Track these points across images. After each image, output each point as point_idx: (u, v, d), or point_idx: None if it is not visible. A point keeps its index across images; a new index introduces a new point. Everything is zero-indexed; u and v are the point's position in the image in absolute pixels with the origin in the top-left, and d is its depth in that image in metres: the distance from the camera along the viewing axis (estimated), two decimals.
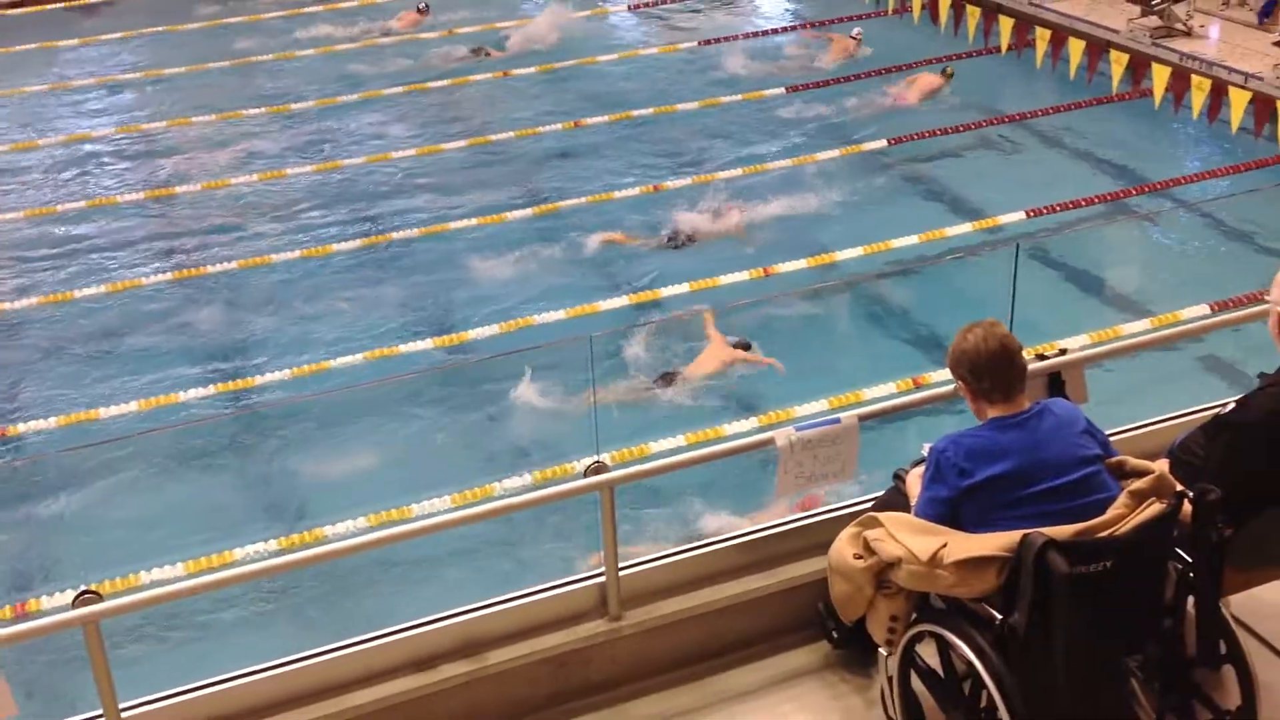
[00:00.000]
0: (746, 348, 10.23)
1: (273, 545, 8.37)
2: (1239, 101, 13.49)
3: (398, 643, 4.94)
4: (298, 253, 12.46)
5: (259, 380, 10.34)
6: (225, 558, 8.21)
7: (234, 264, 12.29)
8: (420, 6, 19.68)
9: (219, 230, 13.09)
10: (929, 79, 15.63)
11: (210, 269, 12.25)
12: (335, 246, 12.60)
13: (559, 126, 15.41)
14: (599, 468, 4.99)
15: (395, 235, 12.80)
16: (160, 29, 19.33)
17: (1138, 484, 3.97)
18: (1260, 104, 13.46)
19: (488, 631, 5.00)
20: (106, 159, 15.03)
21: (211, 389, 10.22)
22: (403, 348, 10.66)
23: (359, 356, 10.53)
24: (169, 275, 12.14)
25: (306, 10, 20.20)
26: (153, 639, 7.70)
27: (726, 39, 18.32)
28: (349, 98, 16.53)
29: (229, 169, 14.52)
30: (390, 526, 6.46)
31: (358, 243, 12.67)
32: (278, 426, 9.82)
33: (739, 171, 13.95)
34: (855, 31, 17.71)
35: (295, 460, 9.54)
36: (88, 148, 15.31)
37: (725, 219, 12.54)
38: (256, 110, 16.19)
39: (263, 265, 12.26)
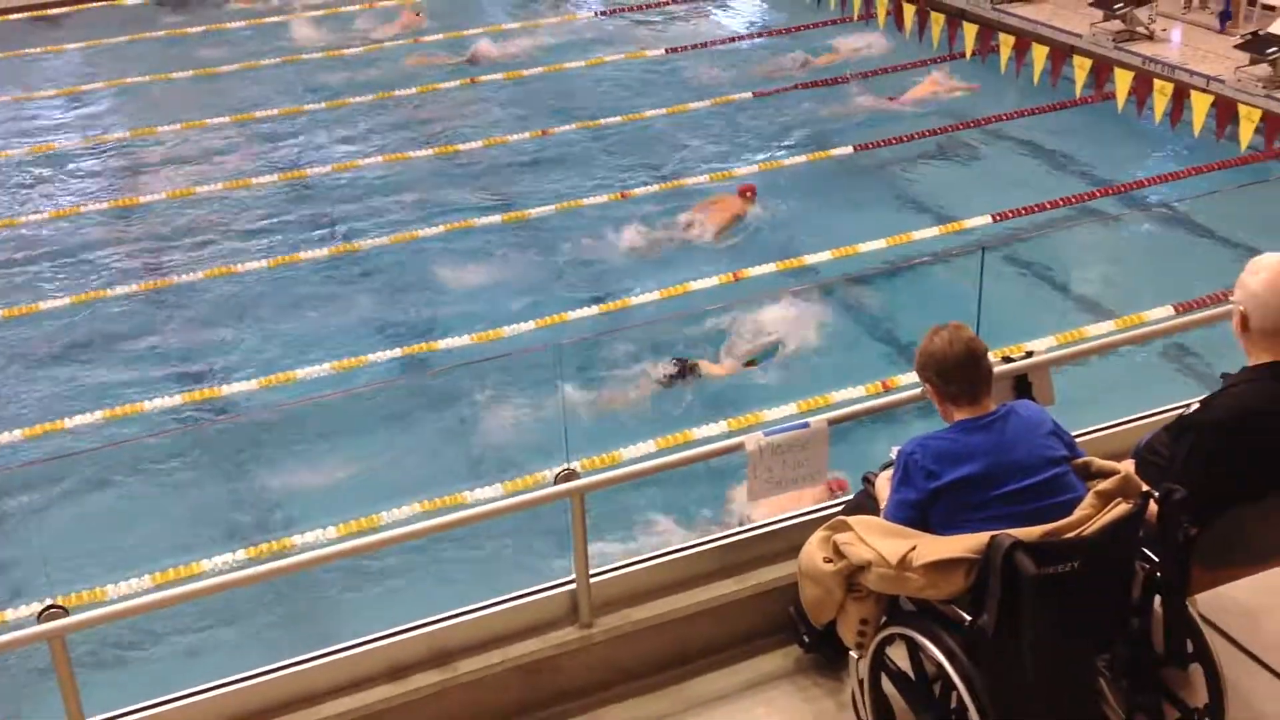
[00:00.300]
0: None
1: (241, 556, 8.32)
2: (1201, 104, 13.62)
3: (369, 653, 4.91)
4: (264, 262, 12.40)
5: (225, 391, 10.28)
6: (193, 569, 8.15)
7: (199, 274, 12.22)
8: (417, 10, 19.72)
9: (184, 240, 13.01)
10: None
11: (176, 279, 12.17)
12: (302, 255, 12.54)
13: (527, 134, 15.41)
14: (569, 475, 4.99)
15: (363, 244, 12.75)
16: (123, 39, 19.23)
17: (1104, 485, 3.99)
18: (1222, 107, 13.59)
19: (459, 640, 4.99)
20: (70, 169, 14.94)
21: (177, 399, 10.16)
22: (371, 357, 10.61)
23: (327, 366, 10.48)
24: (134, 286, 12.06)
25: (270, 20, 20.14)
26: (121, 652, 7.64)
27: (693, 46, 18.36)
28: (315, 106, 16.48)
29: (194, 178, 14.45)
30: (359, 536, 6.43)
31: (325, 252, 12.63)
32: (245, 437, 9.78)
33: (706, 178, 13.98)
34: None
35: (263, 471, 9.49)
36: (51, 158, 15.20)
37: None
38: (221, 119, 16.11)
39: (228, 275, 12.19)
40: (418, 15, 19.69)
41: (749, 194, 13.06)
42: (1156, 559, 4.16)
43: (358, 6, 20.69)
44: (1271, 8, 16.95)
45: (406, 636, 4.94)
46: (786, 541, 5.20)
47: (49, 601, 4.62)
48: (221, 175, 14.51)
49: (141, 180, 14.48)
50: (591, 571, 5.05)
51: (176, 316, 11.58)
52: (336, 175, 14.48)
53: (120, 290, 11.99)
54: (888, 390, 9.32)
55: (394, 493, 8.81)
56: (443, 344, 10.81)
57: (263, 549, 8.38)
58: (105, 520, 8.96)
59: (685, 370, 9.98)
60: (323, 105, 16.51)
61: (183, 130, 15.78)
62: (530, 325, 10.97)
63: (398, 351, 10.74)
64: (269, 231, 13.15)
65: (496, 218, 13.24)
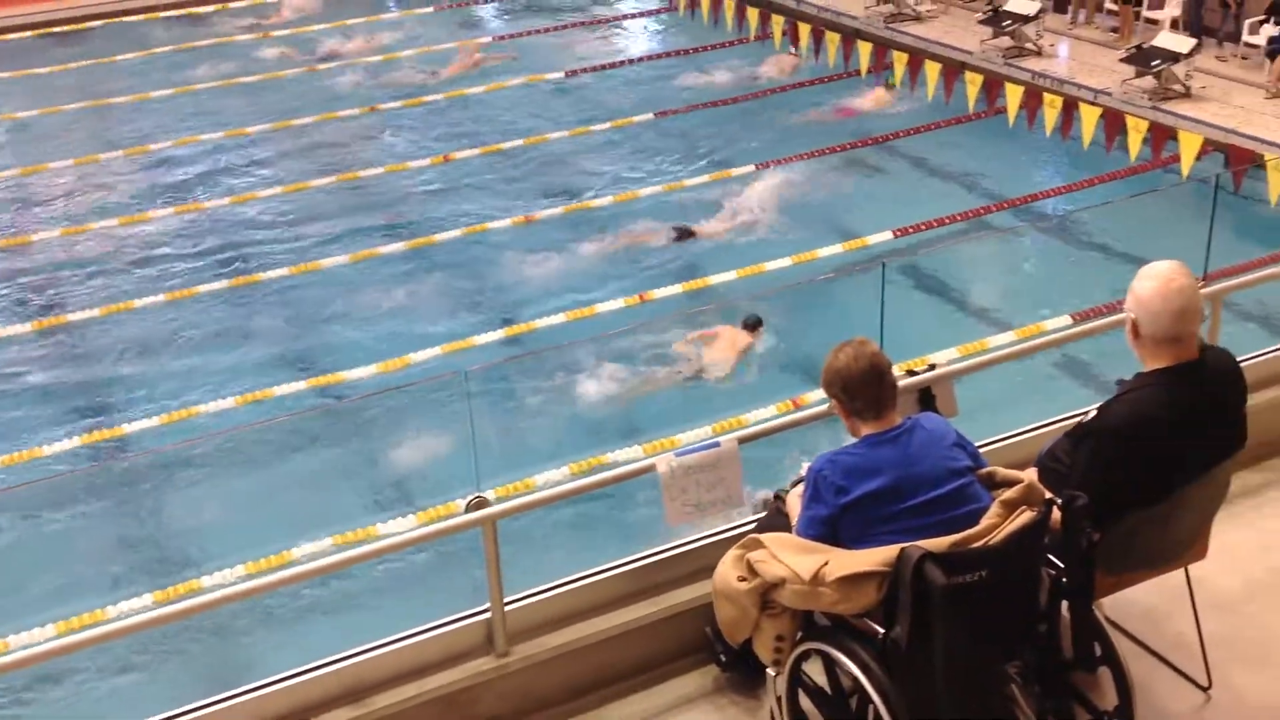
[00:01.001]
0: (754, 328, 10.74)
1: (147, 600, 8.13)
2: (1089, 117, 13.97)
3: (279, 692, 4.81)
4: (162, 296, 12.17)
5: (126, 429, 10.06)
6: (97, 616, 7.95)
7: (96, 310, 11.96)
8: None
9: (79, 276, 12.74)
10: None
11: (70, 317, 11.91)
12: (201, 288, 12.33)
13: (428, 160, 15.33)
14: (479, 503, 4.95)
15: (264, 275, 12.58)
16: (12, 74, 18.81)
17: (1008, 494, 4.05)
18: (1110, 119, 13.95)
19: (371, 675, 4.90)
20: None
21: (75, 440, 9.91)
22: (277, 390, 10.45)
23: (231, 401, 10.31)
24: (28, 326, 11.77)
25: (162, 50, 19.84)
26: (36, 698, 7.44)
27: (593, 68, 18.43)
28: (211, 136, 16.24)
29: (88, 214, 14.16)
30: (269, 573, 6.31)
31: (225, 284, 12.43)
32: (147, 477, 9.56)
33: (610, 199, 14.02)
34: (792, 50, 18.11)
35: (168, 511, 9.29)
36: None
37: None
38: (114, 154, 15.82)
39: (125, 311, 11.95)
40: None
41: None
42: (1062, 565, 4.23)
43: (255, 36, 20.50)
44: (1155, 22, 17.47)
45: (319, 674, 4.86)
46: (700, 561, 5.19)
47: None
48: (116, 209, 14.23)
49: (33, 216, 14.14)
50: (506, 599, 5.02)
51: (72, 354, 11.32)
52: (235, 206, 14.27)
53: (13, 330, 11.70)
54: (797, 408, 9.39)
55: (305, 527, 8.68)
56: (349, 374, 10.69)
57: (169, 591, 8.20)
58: (3, 569, 8.70)
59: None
60: (220, 135, 16.28)
61: (75, 165, 15.46)
62: (437, 351, 10.90)
63: (303, 384, 10.59)
64: (166, 265, 12.92)
65: (400, 245, 13.15)
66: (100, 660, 7.61)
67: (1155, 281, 4.19)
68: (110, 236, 13.62)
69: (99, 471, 9.80)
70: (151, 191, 14.83)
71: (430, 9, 21.98)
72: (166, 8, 22.01)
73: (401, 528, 8.59)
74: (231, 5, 22.33)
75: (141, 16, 21.73)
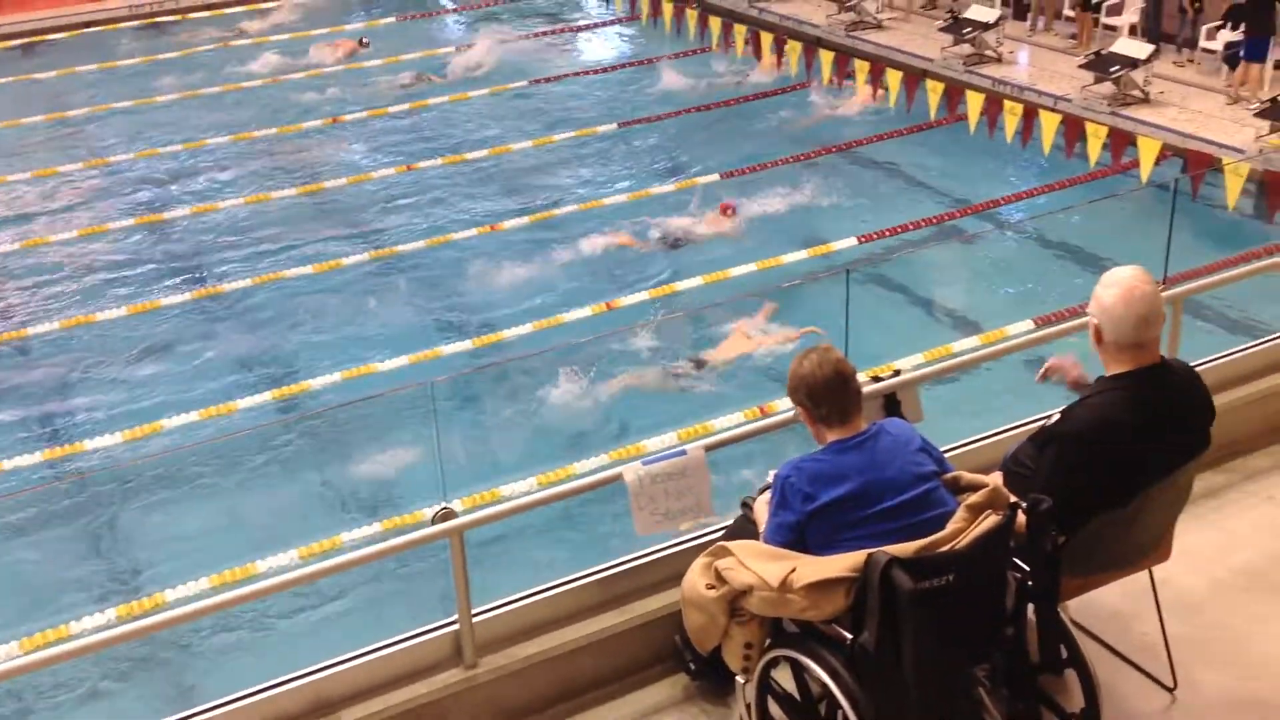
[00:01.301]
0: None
1: (111, 616, 8.06)
2: (1050, 123, 14.08)
3: (244, 709, 4.77)
4: (123, 310, 12.07)
5: (87, 445, 9.96)
6: (61, 633, 7.87)
7: (55, 324, 11.85)
8: (362, 39, 19.64)
9: (39, 290, 12.61)
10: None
11: (30, 330, 11.79)
12: (163, 301, 12.24)
13: (392, 170, 15.29)
14: (446, 514, 4.92)
15: (226, 287, 12.50)
16: None
17: (973, 498, 4.07)
18: (1070, 125, 14.07)
19: (338, 689, 4.87)
20: None
21: (36, 456, 9.80)
22: (240, 403, 10.38)
23: (194, 414, 10.23)
24: None
25: (125, 62, 19.72)
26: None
27: (557, 78, 18.44)
28: (173, 148, 16.14)
29: (47, 227, 14.03)
30: (234, 587, 6.27)
31: (187, 296, 12.35)
32: (111, 492, 9.47)
33: (575, 207, 14.02)
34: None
35: (131, 527, 9.20)
36: None
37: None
38: (74, 165, 15.69)
39: (86, 324, 11.84)
40: (362, 44, 19.90)
41: (729, 211, 13.19)
42: (1027, 568, 4.26)
43: (214, 46, 20.41)
44: (1114, 28, 17.64)
45: (284, 689, 4.82)
46: (668, 570, 5.19)
47: None
48: (76, 221, 14.12)
49: None
50: (474, 610, 4.99)
51: (32, 369, 11.20)
52: (197, 217, 14.18)
53: None
54: (765, 415, 9.40)
55: (269, 541, 8.62)
56: (314, 385, 10.63)
57: (133, 606, 8.12)
58: None
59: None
60: (180, 147, 16.18)
61: (33, 178, 15.32)
62: (404, 361, 10.85)
63: (268, 396, 10.52)
64: (128, 277, 12.82)
65: (364, 255, 13.10)
66: (60, 677, 7.52)
67: (1118, 288, 4.22)
68: (70, 249, 13.50)
69: (59, 487, 9.69)
70: (112, 203, 14.71)
71: (393, 19, 21.95)
72: (126, 19, 21.91)
73: (368, 540, 8.54)
74: (191, 16, 22.24)
75: (103, 28, 21.61)
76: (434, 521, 4.90)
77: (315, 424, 10.28)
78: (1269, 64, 15.64)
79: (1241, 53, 15.29)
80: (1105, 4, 17.99)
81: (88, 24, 21.76)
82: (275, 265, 12.86)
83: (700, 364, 10.56)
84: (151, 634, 5.97)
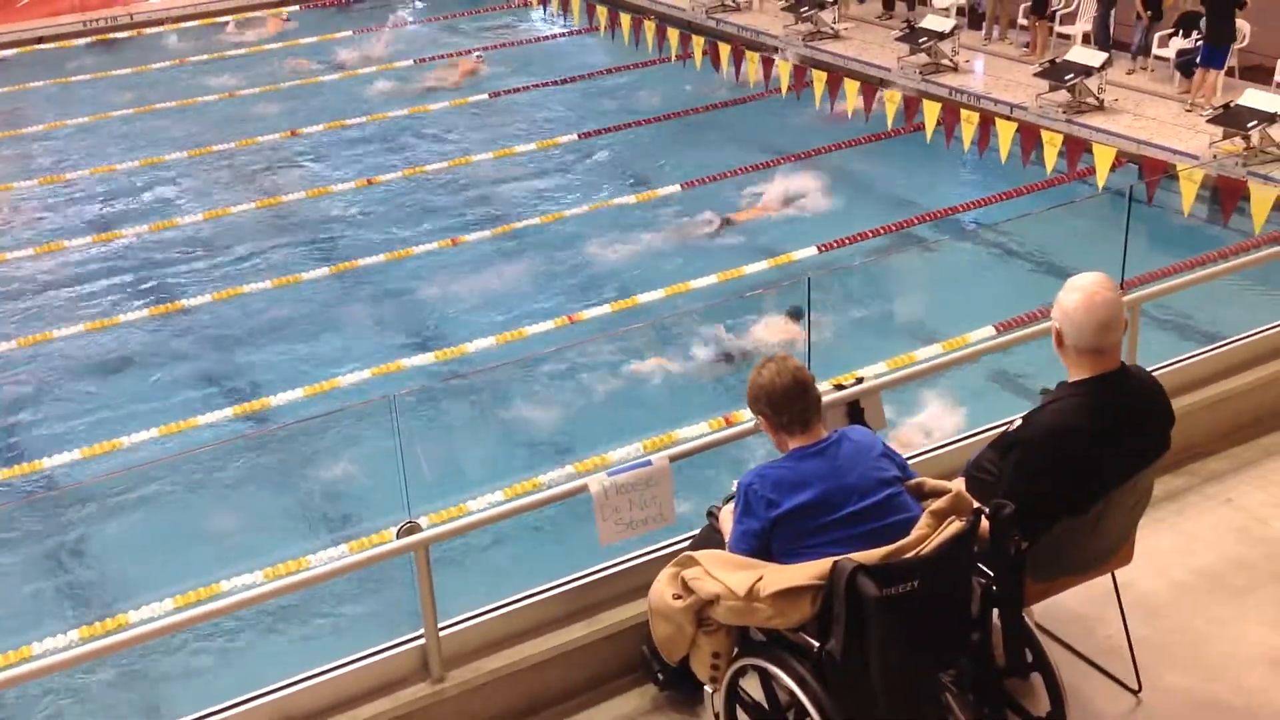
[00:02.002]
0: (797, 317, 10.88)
1: (74, 636, 7.97)
2: (1006, 131, 14.20)
3: None
4: (81, 326, 11.96)
5: (45, 463, 9.85)
6: (23, 653, 7.77)
7: (12, 343, 11.72)
8: (477, 56, 19.58)
9: None
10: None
11: None
12: (122, 318, 12.13)
13: (352, 184, 15.24)
14: (411, 528, 4.91)
15: (186, 302, 12.41)
16: None
17: (937, 504, 4.10)
18: (1026, 133, 14.19)
19: (304, 706, 4.83)
20: None
21: None
22: (201, 419, 10.30)
23: (154, 431, 10.13)
24: None
25: (75, 78, 19.57)
26: None
27: (516, 90, 18.44)
28: (129, 164, 16.01)
29: (3, 243, 13.87)
30: (197, 605, 6.21)
31: (146, 312, 12.24)
32: (69, 511, 9.36)
33: (537, 220, 14.01)
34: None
35: (91, 546, 9.10)
36: None
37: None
38: (28, 182, 15.54)
39: (44, 341, 11.72)
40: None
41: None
42: (992, 574, 4.28)
43: (173, 62, 20.30)
44: (1068, 37, 17.83)
45: (249, 706, 4.78)
46: (635, 580, 5.19)
47: None
48: (32, 238, 13.98)
49: None
50: (440, 624, 4.97)
51: None
52: (155, 234, 14.07)
53: None
54: (729, 425, 9.42)
55: (233, 558, 8.55)
56: (276, 400, 10.56)
57: (95, 627, 8.04)
58: None
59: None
60: (137, 163, 16.06)
61: None
62: (366, 375, 10.81)
63: (229, 411, 10.45)
64: (86, 294, 12.70)
65: (324, 269, 13.04)
66: (24, 699, 7.43)
67: (1080, 294, 4.26)
68: (27, 266, 13.36)
69: (18, 507, 9.58)
70: (69, 219, 14.58)
71: (350, 32, 21.88)
72: (80, 35, 21.75)
73: (332, 555, 8.49)
74: (147, 32, 22.11)
75: (56, 45, 21.44)
76: (399, 535, 4.88)
77: (278, 439, 10.20)
78: (1222, 72, 15.86)
79: (1199, 59, 15.47)
80: (1059, 13, 18.19)
81: (39, 40, 21.57)
82: (235, 280, 12.78)
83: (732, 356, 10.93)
84: (114, 654, 5.92)
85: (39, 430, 10.40)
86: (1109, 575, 4.75)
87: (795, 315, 10.96)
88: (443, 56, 20.05)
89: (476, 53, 20.12)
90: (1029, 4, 17.97)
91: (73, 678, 7.54)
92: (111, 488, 9.53)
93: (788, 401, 4.24)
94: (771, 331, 11.05)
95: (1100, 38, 17.26)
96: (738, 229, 13.76)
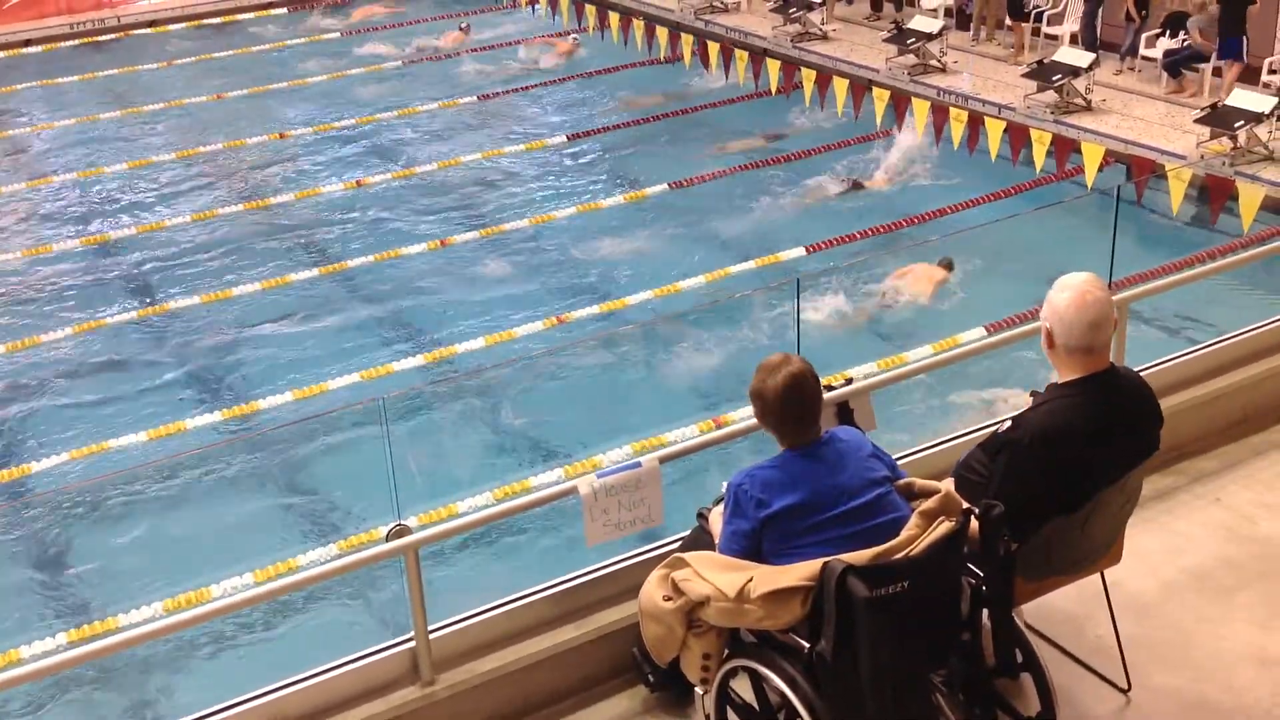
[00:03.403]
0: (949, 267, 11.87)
1: (61, 640, 7.94)
2: (995, 131, 14.22)
3: None
4: (68, 330, 11.91)
5: (34, 467, 9.81)
6: (11, 656, 7.74)
7: (0, 347, 11.67)
8: (462, 25, 19.79)
9: None
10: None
11: None
12: (107, 321, 12.09)
13: (341, 186, 15.21)
14: (400, 531, 4.90)
15: (174, 305, 12.37)
16: None
17: (927, 504, 4.10)
18: (1014, 133, 14.21)
19: (294, 709, 4.83)
20: None
21: None
22: (189, 423, 10.27)
23: (142, 434, 10.10)
24: None
25: (63, 80, 19.51)
26: None
27: (506, 91, 18.43)
28: (117, 166, 15.97)
29: None
30: (186, 610, 6.19)
31: (132, 315, 12.21)
32: (56, 514, 9.32)
33: (525, 222, 14.00)
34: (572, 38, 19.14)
35: (79, 550, 9.06)
36: None
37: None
38: (16, 185, 15.48)
39: (32, 346, 11.68)
40: (463, 31, 20.76)
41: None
42: (981, 574, 4.29)
43: (157, 65, 20.24)
44: (1055, 37, 17.87)
45: (239, 710, 4.77)
46: (625, 582, 5.19)
47: None
48: (18, 243, 13.93)
49: None
50: (430, 626, 4.97)
51: None
52: (143, 236, 14.03)
53: None
54: (718, 426, 9.41)
55: (222, 562, 8.52)
56: (264, 403, 10.54)
57: (84, 631, 8.01)
58: None
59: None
60: (124, 165, 16.01)
61: None
62: (355, 378, 10.78)
63: (218, 415, 10.42)
64: (72, 297, 12.66)
65: (313, 271, 13.01)
66: (11, 705, 7.40)
67: (1071, 293, 4.27)
68: (12, 270, 13.31)
69: (3, 511, 9.55)
70: (56, 222, 14.54)
71: (337, 35, 21.86)
72: (67, 38, 21.70)
73: (322, 558, 8.48)
74: (135, 33, 22.07)
75: (42, 48, 21.39)
76: (389, 538, 4.87)
77: (267, 443, 10.17)
78: (1208, 70, 15.91)
79: (1217, 54, 15.50)
80: (1046, 14, 18.23)
81: (27, 42, 21.51)
82: (223, 283, 12.74)
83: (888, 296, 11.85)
84: (104, 658, 5.90)
85: (24, 433, 10.36)
86: (1098, 575, 4.76)
87: (948, 265, 12.04)
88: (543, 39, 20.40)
89: (573, 35, 20.51)
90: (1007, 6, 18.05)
91: (57, 683, 7.51)
92: (98, 491, 9.50)
93: (779, 413, 4.23)
94: (919, 281, 11.91)
95: (1087, 38, 17.30)
96: (726, 229, 13.76)
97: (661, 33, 18.60)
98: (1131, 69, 16.96)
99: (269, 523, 9.28)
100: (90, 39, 21.79)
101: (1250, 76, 15.57)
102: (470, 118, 17.58)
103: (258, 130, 17.05)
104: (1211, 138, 13.95)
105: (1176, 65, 16.12)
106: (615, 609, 5.23)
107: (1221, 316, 9.14)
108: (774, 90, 16.90)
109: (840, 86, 15.89)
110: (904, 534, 4.06)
